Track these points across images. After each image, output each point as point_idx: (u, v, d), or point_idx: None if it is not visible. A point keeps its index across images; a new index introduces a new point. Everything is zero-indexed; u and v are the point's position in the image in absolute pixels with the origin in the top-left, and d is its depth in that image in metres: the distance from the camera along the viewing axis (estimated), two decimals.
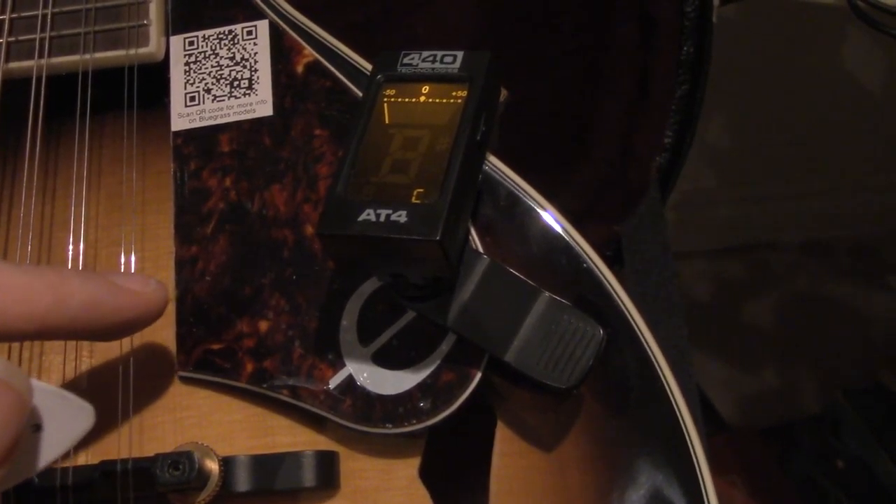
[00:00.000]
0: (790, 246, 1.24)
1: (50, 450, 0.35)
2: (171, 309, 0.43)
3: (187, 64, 0.47)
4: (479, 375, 0.40)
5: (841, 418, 0.98)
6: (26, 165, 0.45)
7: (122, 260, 0.44)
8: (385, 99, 0.41)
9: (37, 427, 0.34)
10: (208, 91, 0.46)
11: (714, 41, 0.60)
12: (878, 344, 1.16)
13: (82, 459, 0.41)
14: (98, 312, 0.35)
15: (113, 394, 0.42)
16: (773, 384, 1.14)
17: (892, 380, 1.08)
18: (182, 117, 0.46)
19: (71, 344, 0.43)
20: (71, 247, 0.45)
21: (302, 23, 0.47)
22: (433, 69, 0.41)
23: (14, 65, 0.46)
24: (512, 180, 0.43)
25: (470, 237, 0.41)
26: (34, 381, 0.34)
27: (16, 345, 0.43)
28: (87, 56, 0.46)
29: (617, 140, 0.64)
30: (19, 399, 0.32)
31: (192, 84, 0.47)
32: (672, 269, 0.60)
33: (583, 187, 0.64)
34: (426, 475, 0.41)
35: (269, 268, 0.43)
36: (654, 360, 0.41)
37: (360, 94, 0.44)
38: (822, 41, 1.07)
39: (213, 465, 0.40)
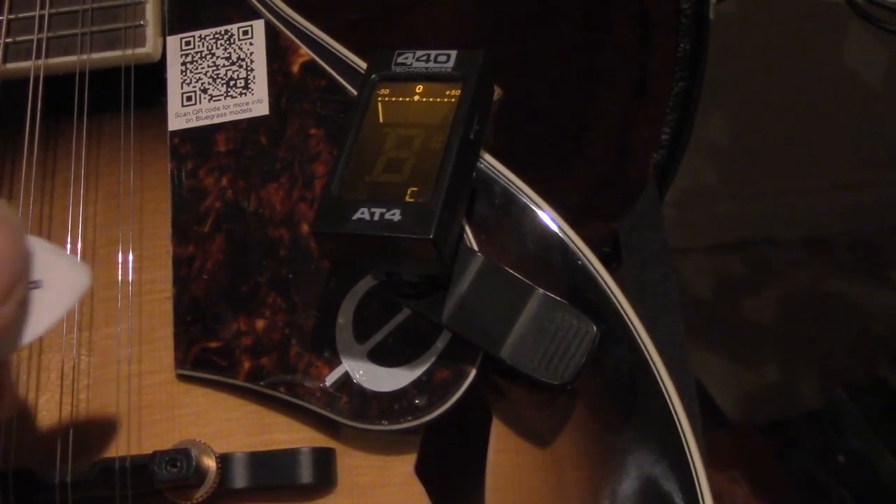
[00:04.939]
0: (790, 242, 1.25)
1: (49, 311, 0.34)
2: (169, 308, 0.43)
3: (184, 64, 0.47)
4: (473, 372, 0.40)
5: (841, 413, 0.98)
6: (24, 166, 0.46)
7: (120, 259, 0.45)
8: (379, 98, 0.41)
9: (35, 283, 0.34)
10: (205, 91, 0.47)
11: (713, 38, 0.60)
12: (878, 339, 1.16)
13: (81, 457, 0.42)
14: None
15: (111, 392, 0.43)
16: (773, 380, 1.14)
17: (893, 375, 1.08)
18: (179, 117, 0.46)
19: (70, 343, 0.43)
20: (69, 246, 0.45)
21: (298, 22, 0.47)
22: (427, 68, 0.41)
23: (12, 65, 0.47)
24: (507, 178, 0.43)
25: (465, 235, 0.42)
26: (30, 237, 0.33)
27: None
28: (85, 57, 0.46)
29: (615, 137, 0.64)
30: (16, 232, 0.32)
31: (188, 84, 0.47)
32: (670, 266, 0.60)
33: (581, 184, 0.64)
34: (422, 471, 0.41)
35: (266, 266, 0.43)
36: (648, 356, 0.41)
37: (355, 93, 0.44)
38: (822, 37, 1.07)
39: (210, 463, 0.40)
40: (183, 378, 0.43)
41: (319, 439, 0.42)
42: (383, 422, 0.40)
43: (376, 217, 0.37)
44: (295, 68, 0.46)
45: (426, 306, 0.40)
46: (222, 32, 0.47)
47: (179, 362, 0.43)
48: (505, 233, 0.43)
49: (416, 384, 0.40)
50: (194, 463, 0.39)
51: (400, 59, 0.41)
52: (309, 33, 0.47)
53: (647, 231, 0.61)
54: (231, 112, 0.46)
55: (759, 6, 1.02)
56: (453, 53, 0.41)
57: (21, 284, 0.33)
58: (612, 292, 0.42)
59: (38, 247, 0.34)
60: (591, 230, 0.62)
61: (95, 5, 0.47)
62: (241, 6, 0.48)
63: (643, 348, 0.41)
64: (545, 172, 0.63)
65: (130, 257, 0.45)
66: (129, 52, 0.47)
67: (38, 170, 0.46)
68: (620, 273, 0.60)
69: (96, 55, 0.47)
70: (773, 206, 1.24)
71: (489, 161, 0.44)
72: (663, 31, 0.61)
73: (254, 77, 0.46)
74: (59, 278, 0.34)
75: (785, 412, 1.07)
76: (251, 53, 0.47)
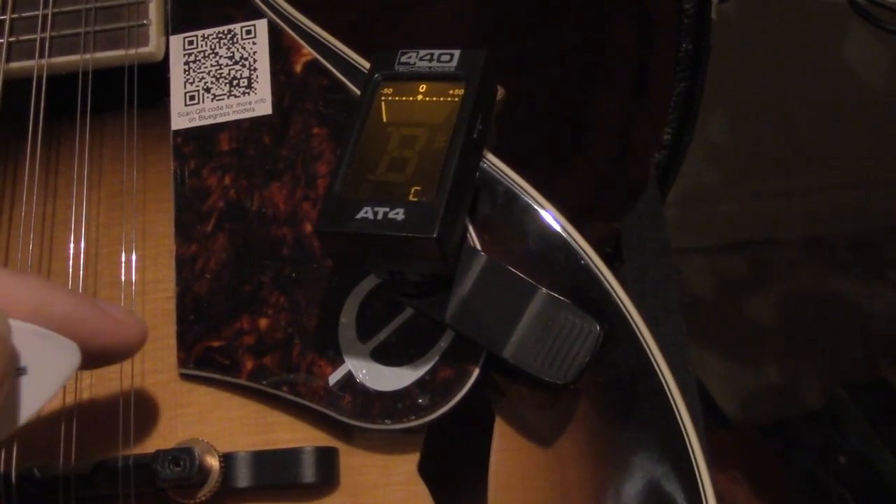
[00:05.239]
0: (791, 242, 1.25)
1: (37, 394, 0.33)
2: (172, 307, 0.43)
3: (187, 63, 0.47)
4: (476, 372, 0.40)
5: (842, 413, 0.98)
6: (27, 165, 0.46)
7: (123, 258, 0.45)
8: (382, 98, 0.41)
9: (20, 371, 0.33)
10: (208, 90, 0.47)
11: (715, 38, 0.60)
12: (878, 339, 1.16)
13: (83, 456, 0.42)
14: (78, 329, 0.34)
15: (114, 391, 0.43)
16: (774, 380, 1.15)
17: (894, 374, 1.08)
18: (182, 116, 0.46)
19: None
20: (72, 246, 0.45)
21: (301, 22, 0.47)
22: (430, 68, 0.41)
23: (15, 65, 0.47)
24: (510, 178, 0.43)
25: (468, 234, 0.42)
26: (11, 321, 0.32)
27: None
28: (88, 56, 0.46)
29: (616, 137, 0.64)
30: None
31: (191, 83, 0.47)
32: (671, 266, 0.60)
33: (582, 184, 0.65)
34: (425, 471, 0.41)
35: (269, 265, 0.43)
36: (651, 356, 0.41)
37: (358, 92, 0.44)
38: (823, 37, 1.07)
39: (213, 462, 0.40)
40: (186, 377, 0.43)
41: (322, 438, 0.42)
42: (386, 421, 0.40)
43: (380, 216, 0.37)
44: (298, 68, 0.46)
45: (429, 305, 0.41)
46: (225, 32, 0.47)
47: (182, 361, 0.43)
48: (508, 232, 0.43)
49: (420, 383, 0.40)
50: (197, 462, 0.39)
51: (403, 59, 0.41)
52: (312, 32, 0.47)
53: (649, 231, 0.61)
54: (234, 111, 0.46)
55: (760, 6, 1.02)
56: (456, 53, 0.41)
57: (6, 382, 0.32)
58: (614, 292, 0.42)
59: (23, 332, 0.33)
60: (593, 230, 0.62)
61: (98, 5, 0.47)
62: (243, 6, 0.48)
63: (646, 348, 0.41)
64: (545, 172, 0.62)
65: (133, 256, 0.45)
66: (132, 51, 0.47)
67: (41, 169, 0.46)
68: (621, 273, 0.60)
69: (99, 54, 0.47)
70: (774, 206, 1.24)
71: (492, 160, 0.44)
72: (663, 32, 0.61)
73: (257, 76, 0.46)
74: (45, 363, 0.33)
75: (786, 412, 1.07)
76: (254, 53, 0.47)
